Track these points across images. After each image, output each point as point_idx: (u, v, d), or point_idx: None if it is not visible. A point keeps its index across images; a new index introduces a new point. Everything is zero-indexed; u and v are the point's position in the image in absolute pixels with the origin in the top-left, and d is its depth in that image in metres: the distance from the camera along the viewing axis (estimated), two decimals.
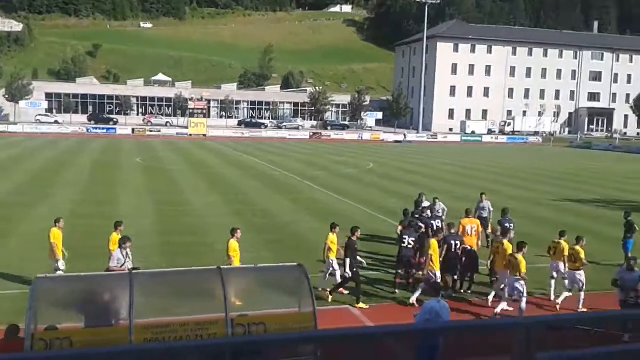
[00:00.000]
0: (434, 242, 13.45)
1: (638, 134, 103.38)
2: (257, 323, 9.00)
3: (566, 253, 13.62)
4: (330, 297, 13.19)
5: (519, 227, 17.28)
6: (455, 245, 13.91)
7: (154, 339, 8.34)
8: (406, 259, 14.07)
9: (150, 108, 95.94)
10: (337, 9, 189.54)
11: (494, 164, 49.05)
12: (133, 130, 78.15)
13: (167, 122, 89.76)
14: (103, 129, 78.09)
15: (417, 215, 17.05)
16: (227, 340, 5.20)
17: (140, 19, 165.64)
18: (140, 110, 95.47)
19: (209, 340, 5.80)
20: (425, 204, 18.54)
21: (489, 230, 17.27)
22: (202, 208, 23.75)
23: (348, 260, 13.01)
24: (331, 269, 13.62)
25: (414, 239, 14.15)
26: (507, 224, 15.87)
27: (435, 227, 15.58)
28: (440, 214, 17.61)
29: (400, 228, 15.47)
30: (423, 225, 15.84)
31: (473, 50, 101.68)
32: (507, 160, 53.70)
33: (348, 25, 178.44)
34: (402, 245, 14.14)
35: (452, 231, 14.30)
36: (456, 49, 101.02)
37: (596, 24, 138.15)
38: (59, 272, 12.51)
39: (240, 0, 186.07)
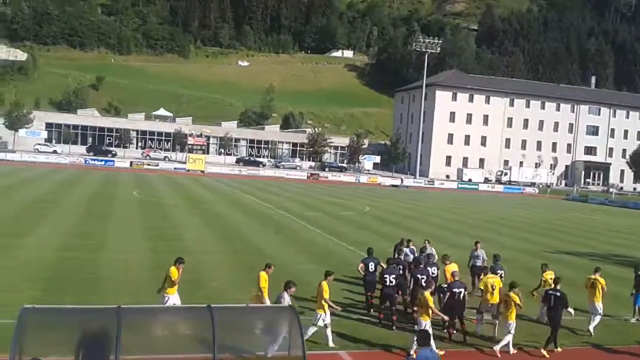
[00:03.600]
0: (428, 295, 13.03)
1: (634, 189, 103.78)
2: None
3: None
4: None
5: (510, 276, 17.15)
6: (459, 292, 13.79)
7: None
8: (388, 296, 14.69)
9: (149, 142, 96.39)
10: (338, 53, 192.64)
11: (489, 212, 49.07)
12: (131, 163, 78.30)
13: (165, 157, 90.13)
14: (101, 160, 78.23)
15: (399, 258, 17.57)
16: None
17: (145, 55, 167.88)
18: (139, 144, 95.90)
19: None
20: (412, 248, 18.88)
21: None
22: (195, 244, 23.57)
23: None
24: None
25: (394, 276, 14.84)
26: (498, 270, 16.12)
27: (428, 277, 15.07)
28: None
29: (361, 265, 16.02)
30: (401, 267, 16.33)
31: (471, 99, 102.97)
32: (503, 209, 53.75)
33: (349, 70, 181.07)
34: (385, 284, 14.73)
35: (456, 278, 14.21)
36: (454, 98, 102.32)
37: (593, 79, 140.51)
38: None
39: (244, 41, 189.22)
